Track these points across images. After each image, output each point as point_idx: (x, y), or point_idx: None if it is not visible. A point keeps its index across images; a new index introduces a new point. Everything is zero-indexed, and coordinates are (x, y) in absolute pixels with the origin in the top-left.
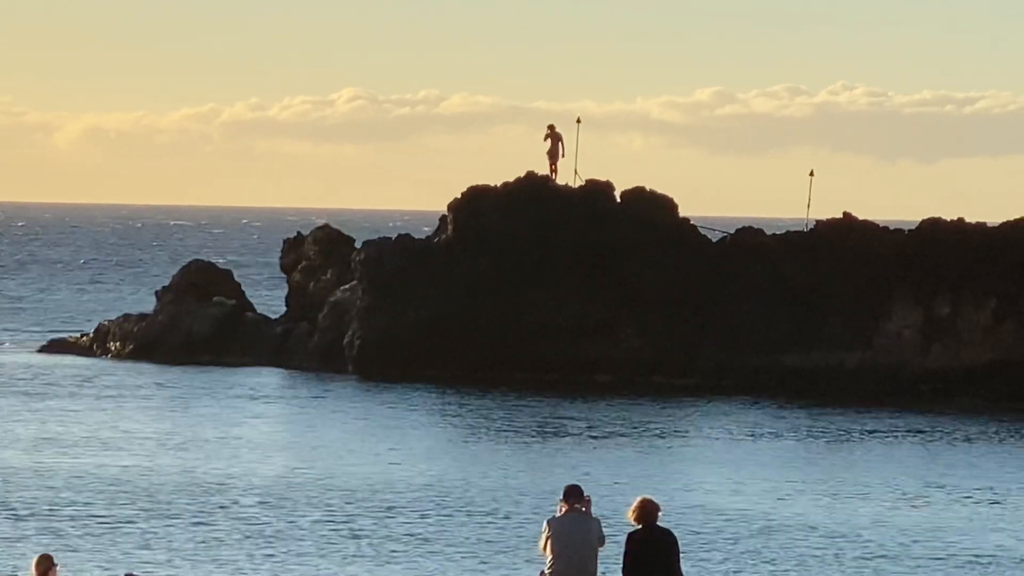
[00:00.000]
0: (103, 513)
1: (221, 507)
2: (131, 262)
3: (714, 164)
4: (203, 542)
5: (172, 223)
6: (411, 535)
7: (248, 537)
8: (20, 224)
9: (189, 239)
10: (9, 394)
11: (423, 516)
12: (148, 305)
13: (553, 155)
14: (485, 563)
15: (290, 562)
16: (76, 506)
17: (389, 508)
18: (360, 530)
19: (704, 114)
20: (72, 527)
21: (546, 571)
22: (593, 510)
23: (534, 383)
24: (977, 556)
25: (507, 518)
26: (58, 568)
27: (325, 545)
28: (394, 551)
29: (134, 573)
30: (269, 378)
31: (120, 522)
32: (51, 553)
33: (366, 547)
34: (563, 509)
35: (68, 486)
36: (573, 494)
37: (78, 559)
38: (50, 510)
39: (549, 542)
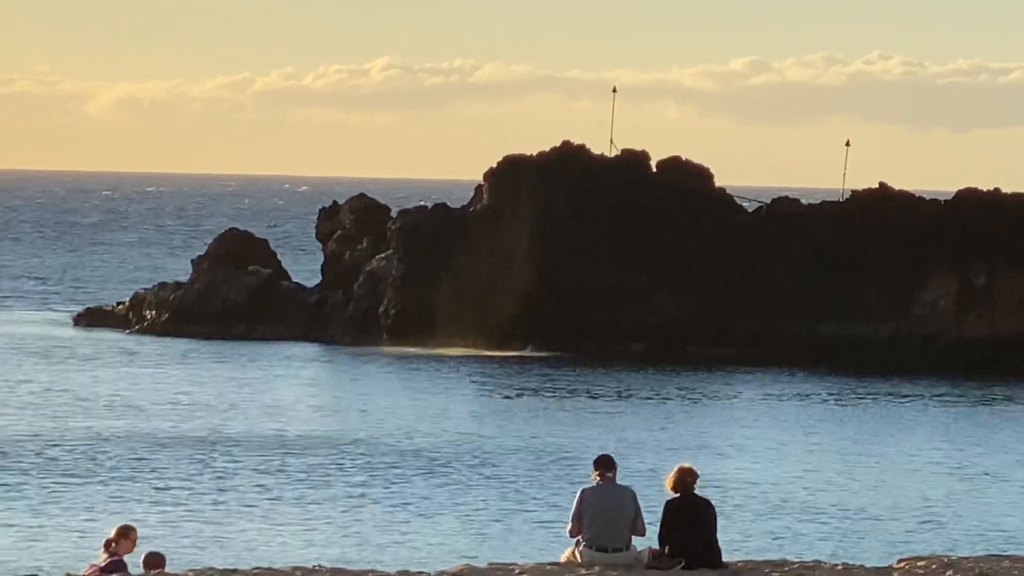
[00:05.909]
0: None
1: (262, 465)
2: (167, 230)
3: (748, 133)
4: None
5: (224, 190)
6: (448, 489)
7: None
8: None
9: (223, 207)
10: (46, 367)
11: (461, 476)
12: (183, 274)
13: None
14: (513, 508)
15: (328, 511)
16: (96, 466)
17: (424, 466)
18: (400, 483)
19: (738, 83)
20: (93, 487)
21: (582, 539)
22: (623, 479)
23: (569, 351)
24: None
25: (540, 476)
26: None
27: (363, 498)
28: (424, 502)
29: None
30: (304, 350)
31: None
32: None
33: (407, 497)
34: (596, 479)
35: (92, 448)
36: (604, 464)
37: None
38: (71, 472)
39: (582, 512)
